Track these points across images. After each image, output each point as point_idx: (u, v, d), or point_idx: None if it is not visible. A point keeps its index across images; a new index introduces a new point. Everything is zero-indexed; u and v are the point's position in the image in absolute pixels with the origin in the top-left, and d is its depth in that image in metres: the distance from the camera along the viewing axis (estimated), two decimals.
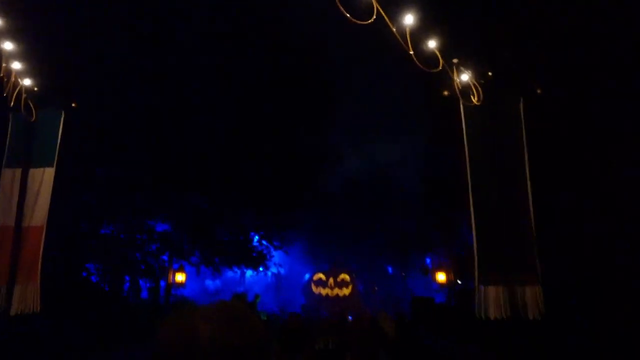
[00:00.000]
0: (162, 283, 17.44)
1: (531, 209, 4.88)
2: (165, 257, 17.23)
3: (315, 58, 18.65)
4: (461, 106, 4.94)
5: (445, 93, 5.15)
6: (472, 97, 4.74)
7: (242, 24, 16.28)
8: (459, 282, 17.19)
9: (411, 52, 4.04)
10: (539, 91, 5.12)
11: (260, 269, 18.33)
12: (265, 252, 18.25)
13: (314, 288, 25.27)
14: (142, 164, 14.41)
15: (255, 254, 17.97)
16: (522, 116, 5.11)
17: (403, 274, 30.07)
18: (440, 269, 14.03)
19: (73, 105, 5.73)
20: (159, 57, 14.41)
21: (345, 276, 25.50)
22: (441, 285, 13.98)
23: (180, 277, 14.56)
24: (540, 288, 4.55)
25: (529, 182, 4.98)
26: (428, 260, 34.77)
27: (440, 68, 4.09)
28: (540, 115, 5.53)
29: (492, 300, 4.64)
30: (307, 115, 18.90)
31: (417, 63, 3.74)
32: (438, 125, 12.14)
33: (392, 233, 23.09)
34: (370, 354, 12.63)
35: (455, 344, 11.16)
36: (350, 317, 19.93)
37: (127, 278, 17.52)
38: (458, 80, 4.61)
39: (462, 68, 4.52)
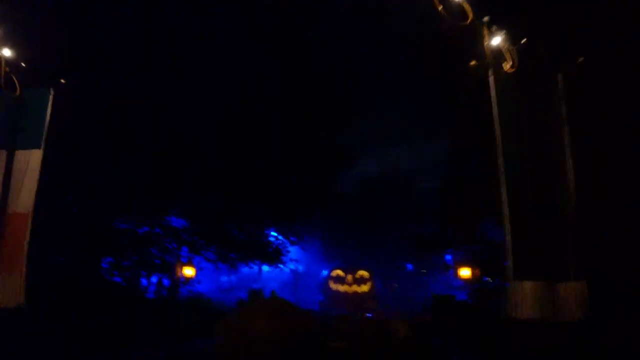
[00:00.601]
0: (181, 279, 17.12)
1: (574, 195, 4.24)
2: (182, 253, 16.94)
3: (335, 56, 18.17)
4: (491, 75, 4.30)
5: (473, 63, 4.52)
6: (504, 64, 4.09)
7: (262, 20, 15.89)
8: (489, 279, 16.51)
9: (440, 8, 3.44)
10: (581, 60, 4.45)
11: (276, 265, 17.79)
12: (281, 247, 17.75)
13: (332, 285, 24.69)
14: (159, 158, 14.08)
15: (271, 250, 17.51)
16: (563, 89, 4.46)
17: (423, 270, 29.29)
18: (463, 264, 13.31)
19: (62, 81, 5.25)
20: (171, 47, 14.03)
21: (363, 273, 24.86)
22: (466, 280, 13.26)
23: (189, 272, 14.08)
24: (585, 284, 3.90)
25: (570, 165, 4.33)
26: (448, 258, 34.01)
27: (469, 21, 3.46)
28: (582, 89, 4.83)
29: (528, 297, 4.01)
30: (327, 114, 18.46)
31: (442, 14, 3.12)
32: (461, 113, 11.42)
33: (410, 230, 22.36)
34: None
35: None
36: (369, 315, 19.41)
37: (144, 274, 17.29)
38: (489, 42, 3.96)
39: (494, 28, 3.87)
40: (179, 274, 13.90)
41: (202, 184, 15.07)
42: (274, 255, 17.23)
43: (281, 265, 18.09)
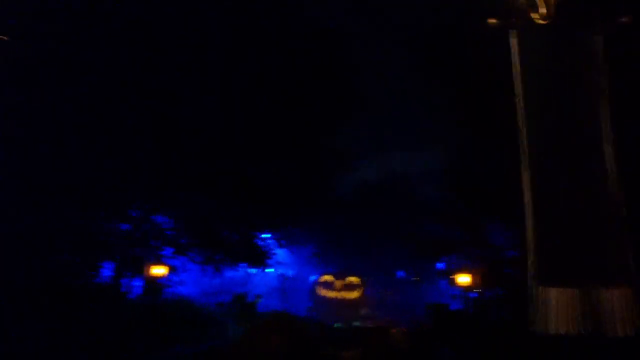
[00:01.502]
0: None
1: (617, 181, 3.45)
2: (166, 253, 16.09)
3: (332, 51, 17.46)
4: (514, 32, 3.51)
5: (493, 21, 3.72)
6: (533, 15, 3.30)
7: (257, 15, 15.17)
8: (477, 290, 15.80)
9: None
10: (625, 20, 3.66)
11: (262, 267, 16.89)
12: (267, 249, 16.87)
13: (320, 291, 23.86)
14: (140, 149, 13.25)
15: (258, 252, 16.65)
16: (603, 54, 3.68)
17: (416, 278, 28.51)
18: (462, 270, 12.58)
19: (4, 38, 4.40)
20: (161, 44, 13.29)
21: (353, 279, 24.07)
22: (465, 288, 12.53)
23: (158, 271, 13.11)
24: (635, 292, 3.11)
25: (609, 142, 3.54)
26: (441, 266, 33.27)
27: None
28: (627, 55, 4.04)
29: (560, 307, 3.21)
30: (322, 113, 17.73)
31: None
32: (466, 100, 10.65)
33: (408, 235, 21.56)
34: None
35: None
36: (356, 323, 18.67)
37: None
38: None
39: None
40: (147, 273, 12.94)
41: (187, 180, 14.22)
42: (260, 258, 16.32)
43: (267, 269, 17.16)
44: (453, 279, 12.97)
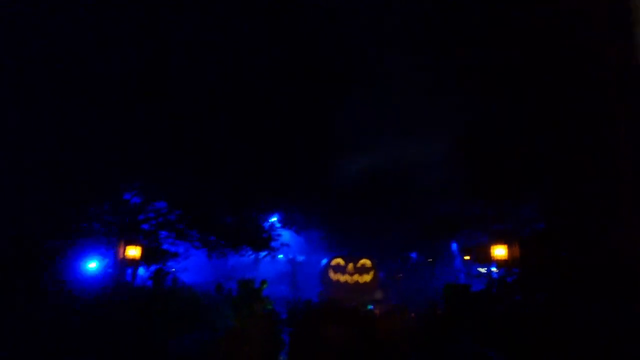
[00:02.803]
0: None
1: None
2: (166, 239, 15.22)
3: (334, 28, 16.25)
4: None
5: None
6: None
7: None
8: (494, 270, 14.67)
9: None
10: None
11: (266, 251, 15.89)
12: (270, 231, 15.84)
13: (331, 274, 22.91)
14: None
15: (265, 235, 15.65)
16: None
17: (430, 260, 27.49)
18: (497, 240, 10.83)
19: None
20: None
21: (366, 262, 23.08)
22: (500, 262, 10.98)
23: (132, 252, 12.03)
24: None
25: None
26: (454, 246, 32.09)
27: None
28: None
29: None
30: (327, 92, 16.61)
31: None
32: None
33: (419, 215, 20.38)
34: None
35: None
36: (371, 307, 17.74)
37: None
38: None
39: None
40: (122, 255, 11.95)
41: (184, 161, 13.26)
42: (264, 241, 15.32)
43: (278, 255, 16.19)
44: (480, 254, 11.55)
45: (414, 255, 28.12)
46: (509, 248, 10.09)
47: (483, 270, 33.36)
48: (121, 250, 11.46)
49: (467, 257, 33.36)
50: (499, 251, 10.75)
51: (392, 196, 24.88)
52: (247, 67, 14.19)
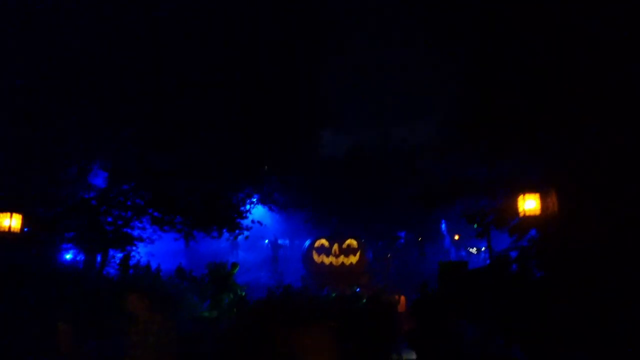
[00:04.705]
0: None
1: None
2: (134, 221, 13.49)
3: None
4: None
5: None
6: None
7: None
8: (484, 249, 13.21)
9: None
10: None
11: (236, 231, 14.10)
12: (240, 210, 14.02)
13: (315, 256, 21.30)
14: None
15: (235, 214, 13.88)
16: None
17: (419, 238, 26.12)
18: (528, 188, 8.14)
19: None
20: None
21: (352, 242, 21.48)
22: (528, 222, 8.58)
23: (6, 222, 9.97)
24: None
25: None
26: (443, 226, 30.75)
27: None
28: None
29: None
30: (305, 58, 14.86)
31: None
32: None
33: (413, 181, 18.67)
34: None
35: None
36: (358, 290, 16.28)
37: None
38: None
39: None
40: None
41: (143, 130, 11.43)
42: (232, 220, 13.51)
43: (246, 232, 14.37)
44: (498, 216, 9.34)
45: (402, 234, 26.69)
46: (543, 199, 7.79)
47: (473, 250, 32.39)
48: None
49: (457, 237, 32.25)
50: (530, 204, 7.91)
51: (382, 162, 23.16)
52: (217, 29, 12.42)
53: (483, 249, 29.77)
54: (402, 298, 17.61)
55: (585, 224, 5.84)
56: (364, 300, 12.45)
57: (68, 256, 15.27)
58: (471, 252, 31.97)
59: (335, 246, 21.08)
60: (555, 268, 6.46)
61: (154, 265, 14.87)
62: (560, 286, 6.08)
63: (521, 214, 8.01)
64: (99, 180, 13.49)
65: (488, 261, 13.04)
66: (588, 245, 5.69)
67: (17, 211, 10.23)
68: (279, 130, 14.31)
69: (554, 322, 6.05)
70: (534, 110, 6.73)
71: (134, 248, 13.91)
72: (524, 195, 8.00)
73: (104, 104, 10.52)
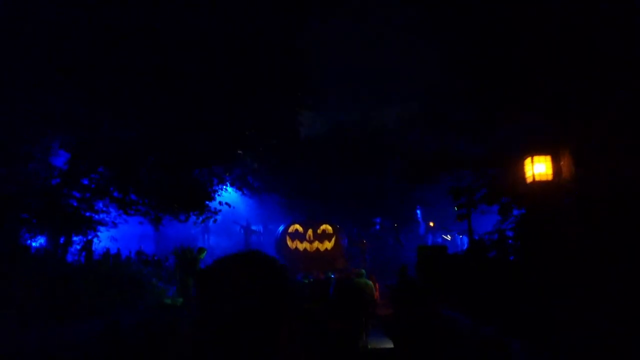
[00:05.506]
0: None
1: None
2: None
3: None
4: None
5: None
6: None
7: None
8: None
9: None
10: None
11: (203, 213, 13.26)
12: (210, 189, 13.16)
13: (289, 242, 20.67)
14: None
15: (195, 192, 12.93)
16: None
17: (395, 225, 25.76)
18: (536, 149, 6.96)
19: None
20: None
21: (327, 227, 20.91)
22: (542, 180, 7.22)
23: None
24: None
25: None
26: (418, 212, 30.52)
27: None
28: None
29: None
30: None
31: None
32: None
33: (395, 162, 18.01)
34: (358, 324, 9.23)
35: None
36: (332, 275, 15.76)
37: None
38: None
39: None
40: None
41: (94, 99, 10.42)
42: (198, 201, 12.63)
43: (214, 216, 13.56)
44: (497, 184, 8.39)
45: (377, 220, 26.31)
46: (555, 161, 6.65)
47: (448, 237, 32.31)
48: None
49: (431, 224, 32.14)
50: (539, 167, 6.83)
51: (363, 140, 22.30)
52: None
53: (461, 236, 29.70)
54: (377, 285, 17.17)
55: (603, 192, 5.20)
56: (333, 284, 11.95)
57: (35, 244, 14.37)
58: (445, 239, 31.92)
59: (310, 231, 20.49)
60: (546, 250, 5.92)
61: (118, 250, 14.12)
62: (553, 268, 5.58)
63: (529, 180, 6.96)
64: (60, 161, 12.54)
65: (466, 246, 12.62)
66: (605, 218, 5.12)
67: None
68: (255, 104, 13.41)
69: (546, 306, 5.58)
70: (550, 61, 5.95)
71: (96, 233, 13.00)
72: (532, 158, 6.96)
73: (62, 73, 9.56)
